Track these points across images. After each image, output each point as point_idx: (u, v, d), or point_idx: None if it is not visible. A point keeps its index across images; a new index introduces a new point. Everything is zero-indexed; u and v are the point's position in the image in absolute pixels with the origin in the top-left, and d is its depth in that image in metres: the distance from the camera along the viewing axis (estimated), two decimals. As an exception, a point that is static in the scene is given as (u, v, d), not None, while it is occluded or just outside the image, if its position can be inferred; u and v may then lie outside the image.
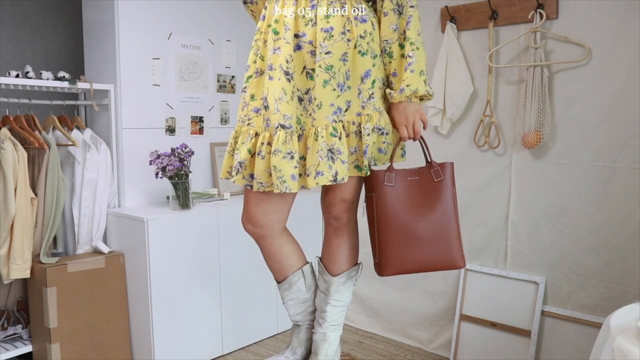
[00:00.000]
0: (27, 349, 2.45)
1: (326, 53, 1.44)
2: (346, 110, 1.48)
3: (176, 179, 2.60)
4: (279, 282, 1.69)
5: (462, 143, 2.66)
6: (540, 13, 2.32)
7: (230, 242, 2.72)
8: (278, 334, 3.01)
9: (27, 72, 2.46)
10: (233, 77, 3.14)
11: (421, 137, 1.58)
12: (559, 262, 2.39)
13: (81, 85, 2.56)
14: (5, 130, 2.33)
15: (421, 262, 1.51)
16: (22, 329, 2.50)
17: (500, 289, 2.53)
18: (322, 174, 1.43)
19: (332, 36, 1.44)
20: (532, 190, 2.45)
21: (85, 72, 2.82)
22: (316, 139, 1.44)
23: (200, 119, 3.00)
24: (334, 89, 1.46)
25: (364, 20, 1.48)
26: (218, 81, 3.07)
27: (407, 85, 1.47)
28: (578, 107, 2.30)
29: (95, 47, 2.76)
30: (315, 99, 1.46)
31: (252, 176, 1.50)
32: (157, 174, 2.58)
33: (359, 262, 1.72)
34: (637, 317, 1.20)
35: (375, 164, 1.53)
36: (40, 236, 2.41)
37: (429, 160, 1.57)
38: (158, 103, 2.80)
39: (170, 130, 2.87)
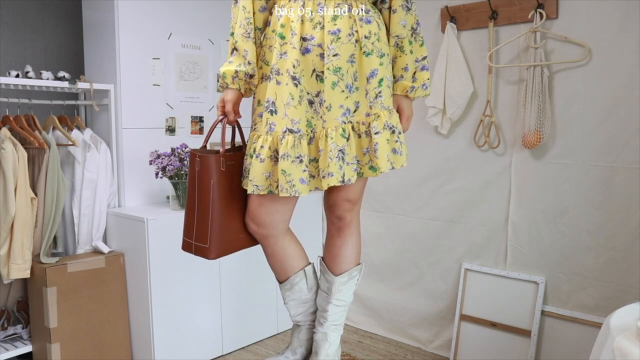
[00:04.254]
0: (27, 349, 2.45)
1: (334, 55, 1.45)
2: (355, 111, 1.49)
3: (176, 178, 2.60)
4: (280, 282, 1.69)
5: (462, 143, 2.66)
6: (540, 13, 2.32)
7: (230, 242, 2.72)
8: (278, 334, 3.01)
9: (27, 72, 2.46)
10: (233, 77, 3.14)
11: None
12: (559, 262, 2.39)
13: (81, 85, 2.56)
14: (5, 130, 2.33)
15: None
16: (22, 329, 2.50)
17: (500, 289, 2.53)
18: (332, 175, 1.44)
19: (340, 38, 1.45)
20: (532, 190, 2.45)
21: (85, 72, 2.82)
22: (326, 141, 1.45)
23: (200, 119, 3.00)
24: (343, 91, 1.47)
25: (369, 22, 1.48)
26: (218, 81, 3.06)
27: (426, 87, 1.59)
28: (578, 107, 2.30)
29: (95, 47, 2.76)
30: (325, 101, 1.46)
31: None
32: (157, 174, 2.59)
33: (360, 262, 1.72)
34: (637, 317, 1.20)
35: (392, 167, 1.52)
36: (40, 236, 2.41)
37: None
38: (158, 103, 2.80)
39: (170, 130, 2.87)
